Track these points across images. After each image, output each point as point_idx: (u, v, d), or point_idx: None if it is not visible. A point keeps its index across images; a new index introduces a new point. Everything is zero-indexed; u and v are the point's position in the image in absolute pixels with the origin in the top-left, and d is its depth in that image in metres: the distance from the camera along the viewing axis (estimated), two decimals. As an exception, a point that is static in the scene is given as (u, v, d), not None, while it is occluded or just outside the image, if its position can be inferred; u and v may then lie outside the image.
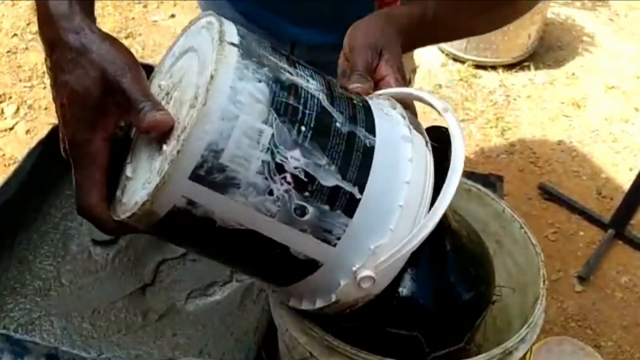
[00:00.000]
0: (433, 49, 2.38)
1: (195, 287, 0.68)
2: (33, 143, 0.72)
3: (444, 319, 0.49)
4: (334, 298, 0.44)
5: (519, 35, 2.24)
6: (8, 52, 2.13)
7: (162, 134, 0.40)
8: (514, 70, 2.30)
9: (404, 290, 0.47)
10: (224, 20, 0.42)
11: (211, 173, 0.39)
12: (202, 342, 0.62)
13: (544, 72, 2.31)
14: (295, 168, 0.40)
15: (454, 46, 2.31)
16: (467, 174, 0.79)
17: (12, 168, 0.71)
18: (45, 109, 1.94)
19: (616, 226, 1.68)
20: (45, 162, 0.72)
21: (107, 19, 2.28)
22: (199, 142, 0.38)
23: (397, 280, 0.45)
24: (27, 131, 1.89)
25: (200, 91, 0.39)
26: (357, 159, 0.42)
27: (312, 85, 0.43)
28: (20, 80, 2.04)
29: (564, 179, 1.91)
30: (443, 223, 0.49)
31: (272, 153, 0.40)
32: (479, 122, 2.08)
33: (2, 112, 1.96)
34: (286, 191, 0.40)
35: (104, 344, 0.61)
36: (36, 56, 2.10)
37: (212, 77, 0.38)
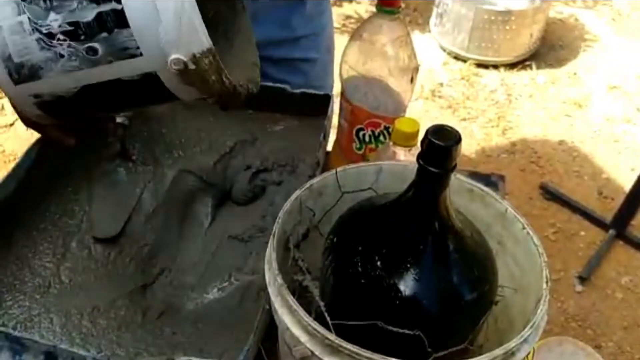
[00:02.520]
0: (435, 47, 2.37)
1: (195, 285, 0.67)
2: (33, 139, 0.72)
3: (446, 319, 0.48)
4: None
5: (521, 34, 2.23)
6: (9, 48, 2.12)
7: None
8: (515, 69, 2.29)
9: (407, 290, 0.46)
10: None
11: (19, 73, 0.50)
12: (201, 341, 0.62)
13: (546, 72, 2.31)
14: (60, 27, 0.48)
15: (455, 45, 2.30)
16: (469, 174, 0.79)
17: (12, 164, 0.71)
18: (46, 105, 1.94)
19: (617, 226, 1.68)
20: (45, 159, 0.72)
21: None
22: None
23: (400, 280, 0.45)
24: (27, 128, 1.88)
25: None
26: None
27: None
28: (20, 77, 2.03)
29: (565, 179, 1.90)
30: (446, 223, 0.48)
31: (38, 30, 0.48)
32: (481, 121, 2.08)
33: (3, 108, 1.96)
34: (69, 46, 0.48)
35: (103, 342, 0.61)
36: (37, 52, 2.09)
37: None
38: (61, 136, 0.62)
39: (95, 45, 0.48)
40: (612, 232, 1.68)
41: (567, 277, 1.63)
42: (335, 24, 2.43)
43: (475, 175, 0.80)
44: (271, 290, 0.50)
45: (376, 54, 0.72)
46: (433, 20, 2.44)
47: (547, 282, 0.51)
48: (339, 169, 0.58)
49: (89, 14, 0.47)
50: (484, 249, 0.52)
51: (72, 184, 0.73)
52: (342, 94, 0.77)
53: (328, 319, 0.48)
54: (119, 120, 0.72)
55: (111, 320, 0.63)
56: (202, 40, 0.48)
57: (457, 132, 0.45)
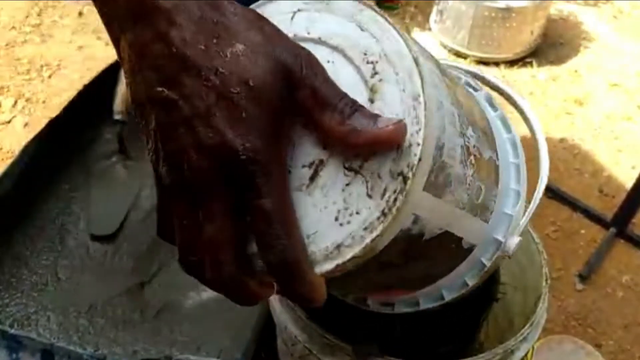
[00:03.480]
0: (435, 44, 2.37)
1: (193, 284, 0.67)
2: (30, 137, 0.72)
3: (449, 314, 0.48)
4: (485, 270, 0.41)
5: (522, 31, 2.23)
6: (6, 45, 2.12)
7: (393, 145, 0.30)
8: (516, 66, 2.29)
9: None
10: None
11: (437, 176, 0.32)
12: (199, 339, 0.62)
13: (547, 69, 2.30)
14: (474, 147, 0.34)
15: (456, 42, 2.30)
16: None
17: (9, 162, 0.71)
18: (43, 102, 1.94)
19: (618, 225, 1.67)
20: (42, 156, 0.71)
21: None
22: (431, 142, 0.30)
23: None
24: (25, 125, 1.88)
25: (404, 87, 0.31)
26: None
27: None
28: (18, 74, 2.03)
29: (565, 177, 1.90)
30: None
31: (464, 135, 0.33)
32: (481, 119, 2.08)
33: (0, 105, 1.96)
34: (472, 174, 0.34)
35: (100, 340, 0.61)
36: (34, 49, 2.09)
37: (416, 62, 0.32)
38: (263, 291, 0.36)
39: (482, 187, 0.37)
40: (612, 230, 1.68)
41: (568, 275, 1.62)
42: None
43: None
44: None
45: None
46: (433, 17, 2.43)
47: (546, 280, 0.51)
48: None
49: (486, 152, 0.38)
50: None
51: (69, 182, 0.72)
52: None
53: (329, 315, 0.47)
54: (117, 117, 0.71)
55: (108, 318, 0.63)
56: None
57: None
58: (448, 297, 0.42)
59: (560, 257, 1.65)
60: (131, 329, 0.63)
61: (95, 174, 0.72)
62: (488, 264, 0.40)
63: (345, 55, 0.32)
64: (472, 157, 0.34)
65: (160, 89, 0.29)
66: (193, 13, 0.28)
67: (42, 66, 2.03)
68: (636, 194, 1.61)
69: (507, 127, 0.47)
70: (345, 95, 0.30)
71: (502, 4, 2.19)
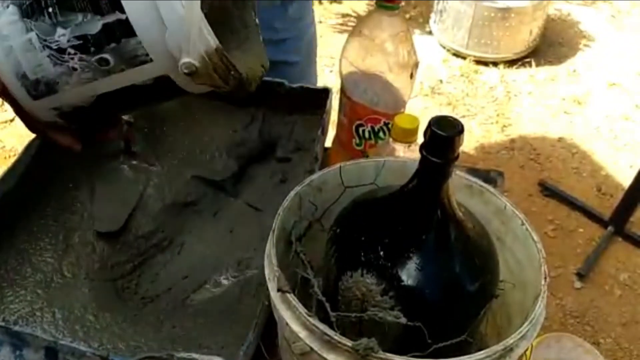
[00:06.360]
0: (434, 44, 2.37)
1: (195, 280, 0.67)
2: (33, 135, 0.72)
3: (447, 309, 0.49)
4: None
5: (521, 31, 2.23)
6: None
7: None
8: (515, 66, 2.29)
9: (408, 279, 0.47)
10: None
11: (36, 89, 0.50)
12: (201, 336, 0.62)
13: (545, 69, 2.31)
14: (68, 41, 0.48)
15: (455, 42, 2.30)
16: (468, 170, 0.79)
17: (12, 160, 0.71)
18: (45, 101, 1.93)
19: (616, 223, 1.68)
20: (45, 154, 0.72)
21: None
22: (10, 78, 0.50)
23: (402, 270, 0.45)
24: (27, 123, 1.88)
25: None
26: None
27: None
28: (20, 72, 2.03)
29: (564, 176, 1.91)
30: (448, 213, 0.49)
31: (48, 46, 0.48)
32: (480, 118, 2.08)
33: (2, 104, 1.95)
34: (80, 59, 0.48)
35: (105, 336, 0.61)
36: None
37: None
38: (70, 141, 0.61)
39: (106, 55, 0.48)
40: (610, 228, 1.69)
41: (566, 273, 1.63)
42: (333, 22, 2.43)
43: (474, 172, 0.80)
44: (271, 285, 0.50)
45: (376, 49, 0.72)
46: (433, 17, 2.44)
47: (545, 278, 0.52)
48: (341, 164, 0.58)
49: (95, 27, 0.48)
50: (485, 240, 0.53)
51: (72, 179, 0.73)
52: (342, 89, 0.78)
53: (330, 311, 0.48)
54: (123, 117, 0.72)
55: (113, 314, 0.63)
56: (208, 40, 0.48)
57: (459, 122, 0.46)
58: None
59: (558, 256, 1.66)
60: (134, 324, 0.63)
61: (100, 172, 0.73)
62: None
63: None
64: (69, 50, 0.48)
65: None
66: None
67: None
68: (634, 192, 1.62)
69: None
70: None
71: (501, 4, 2.20)
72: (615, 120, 2.12)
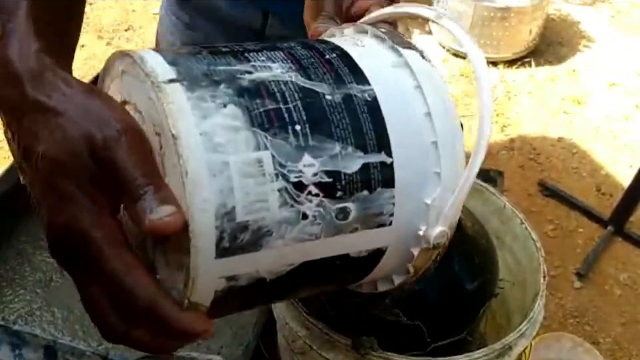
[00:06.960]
0: (434, 44, 2.37)
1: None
2: (33, 135, 0.72)
3: (447, 308, 0.49)
4: (412, 270, 0.39)
5: (520, 31, 2.23)
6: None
7: (166, 234, 0.31)
8: (514, 66, 2.29)
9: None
10: (141, 53, 0.34)
11: (236, 238, 0.32)
12: (201, 335, 0.62)
13: (545, 69, 2.31)
14: (314, 175, 0.33)
15: (455, 42, 2.30)
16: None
17: (12, 160, 0.71)
18: (45, 101, 1.94)
19: (615, 223, 1.68)
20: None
21: (107, 11, 2.28)
22: (205, 217, 0.31)
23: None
24: (27, 123, 1.88)
25: (174, 160, 0.31)
26: (366, 121, 0.35)
27: (277, 69, 0.35)
28: (20, 72, 2.03)
29: (564, 176, 1.91)
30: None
31: (284, 176, 0.32)
32: (480, 118, 2.08)
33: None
34: (319, 204, 0.34)
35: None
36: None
37: (174, 137, 0.31)
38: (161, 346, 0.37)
39: (350, 206, 0.35)
40: (610, 228, 1.69)
41: (566, 273, 1.63)
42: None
43: (473, 171, 0.80)
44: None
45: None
46: (432, 16, 2.44)
47: (544, 277, 0.52)
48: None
49: (353, 164, 0.35)
50: (486, 240, 0.53)
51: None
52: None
53: (329, 310, 0.48)
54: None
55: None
56: (460, 212, 0.38)
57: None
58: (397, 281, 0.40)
59: (558, 255, 1.66)
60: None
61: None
62: (412, 261, 0.39)
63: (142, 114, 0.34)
64: (310, 188, 0.33)
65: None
66: (35, 104, 0.33)
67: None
68: (634, 192, 1.62)
69: (423, 97, 0.37)
70: (143, 174, 0.31)
71: (500, 4, 2.20)
72: (615, 120, 2.12)
